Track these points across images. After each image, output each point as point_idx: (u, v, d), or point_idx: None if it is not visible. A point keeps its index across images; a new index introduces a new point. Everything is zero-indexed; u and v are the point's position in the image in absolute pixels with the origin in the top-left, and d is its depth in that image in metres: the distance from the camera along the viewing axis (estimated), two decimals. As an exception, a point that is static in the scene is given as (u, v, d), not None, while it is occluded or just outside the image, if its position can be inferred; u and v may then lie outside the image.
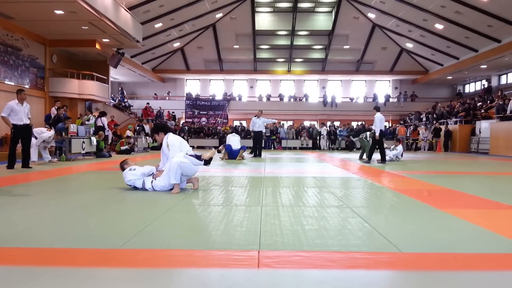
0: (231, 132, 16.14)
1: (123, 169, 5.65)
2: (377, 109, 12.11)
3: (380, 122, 11.68)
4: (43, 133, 10.24)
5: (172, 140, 5.41)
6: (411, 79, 32.26)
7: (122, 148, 15.92)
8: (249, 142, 18.53)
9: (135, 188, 5.43)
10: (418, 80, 31.64)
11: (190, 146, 5.72)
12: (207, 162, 5.46)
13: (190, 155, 5.35)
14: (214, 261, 2.44)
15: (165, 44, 26.69)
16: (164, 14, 22.01)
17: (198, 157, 5.38)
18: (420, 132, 24.32)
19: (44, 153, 10.47)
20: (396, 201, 4.77)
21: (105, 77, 20.94)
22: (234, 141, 13.09)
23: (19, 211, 4.01)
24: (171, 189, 5.25)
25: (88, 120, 15.75)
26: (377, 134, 11.65)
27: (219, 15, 26.41)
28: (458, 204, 4.65)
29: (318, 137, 24.36)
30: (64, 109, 13.82)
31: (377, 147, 11.91)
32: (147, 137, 19.81)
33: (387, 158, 12.11)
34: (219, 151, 16.86)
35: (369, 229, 3.29)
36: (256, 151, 14.61)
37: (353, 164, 11.10)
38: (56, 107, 14.90)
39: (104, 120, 15.92)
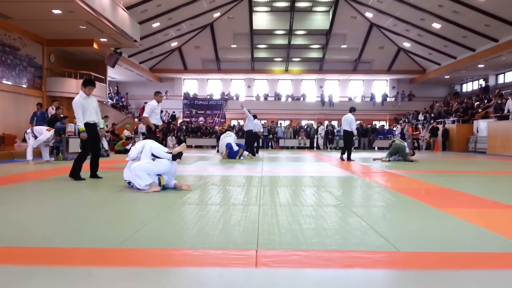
0: (225, 131, 16.11)
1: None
2: (351, 109, 12.73)
3: (352, 123, 12.41)
4: (43, 133, 10.19)
5: (136, 144, 5.71)
6: (409, 78, 32.32)
7: (127, 147, 16.10)
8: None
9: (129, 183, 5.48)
10: (416, 80, 31.69)
11: (188, 146, 5.72)
12: (175, 156, 5.40)
13: (157, 153, 5.40)
14: (211, 260, 2.44)
15: (162, 43, 26.66)
16: (162, 14, 21.99)
17: (175, 156, 5.40)
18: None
19: (44, 151, 10.45)
20: (394, 200, 4.78)
21: (103, 77, 20.91)
22: (229, 141, 13.06)
23: (16, 211, 3.99)
24: (164, 188, 5.33)
25: None
26: (355, 132, 12.60)
27: (216, 14, 26.40)
28: (455, 203, 4.66)
29: (315, 137, 24.40)
30: (61, 108, 13.79)
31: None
32: (144, 136, 19.84)
33: (392, 158, 12.21)
34: (218, 151, 16.90)
35: (367, 228, 3.29)
36: (252, 151, 14.63)
37: (351, 164, 11.11)
38: (55, 107, 14.87)
39: None
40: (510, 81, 25.72)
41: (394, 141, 12.80)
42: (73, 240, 2.91)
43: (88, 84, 6.66)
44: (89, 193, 5.28)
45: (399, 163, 11.29)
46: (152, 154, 5.37)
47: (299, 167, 10.21)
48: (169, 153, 5.38)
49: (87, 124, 6.53)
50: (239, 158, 12.62)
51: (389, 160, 11.98)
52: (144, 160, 5.33)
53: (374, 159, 12.65)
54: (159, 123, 8.84)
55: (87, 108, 6.53)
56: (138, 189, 5.30)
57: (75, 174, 6.60)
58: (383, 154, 13.39)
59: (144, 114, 8.74)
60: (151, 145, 5.47)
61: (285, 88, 33.36)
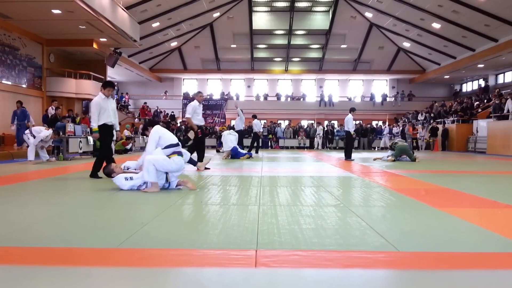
0: (228, 129, 16.18)
1: (110, 176, 5.63)
2: (351, 109, 12.96)
3: (349, 122, 12.68)
4: (41, 132, 10.19)
5: (151, 134, 5.42)
6: (408, 78, 32.33)
7: (127, 147, 16.17)
8: (245, 142, 18.54)
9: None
10: (415, 80, 31.70)
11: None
12: (193, 162, 5.28)
13: (174, 151, 5.30)
14: (211, 260, 2.44)
15: (162, 43, 26.68)
16: (161, 14, 21.99)
17: (192, 161, 5.28)
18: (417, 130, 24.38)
19: (41, 153, 10.44)
20: (394, 200, 4.78)
21: (102, 77, 20.87)
22: (230, 140, 13.19)
23: (16, 211, 3.99)
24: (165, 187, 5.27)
25: None
26: (351, 131, 12.76)
27: (216, 14, 26.40)
28: (455, 203, 4.66)
29: (315, 137, 24.40)
30: (61, 108, 13.76)
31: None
32: (144, 136, 19.86)
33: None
34: (218, 151, 16.95)
35: (367, 228, 3.30)
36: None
37: (351, 163, 11.11)
38: (55, 107, 14.86)
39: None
40: (510, 81, 25.74)
41: (396, 142, 12.80)
42: (73, 240, 2.91)
43: (108, 85, 6.80)
44: (89, 193, 5.28)
45: (399, 163, 11.29)
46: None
47: (299, 167, 10.21)
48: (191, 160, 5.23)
49: (104, 125, 6.62)
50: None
51: (394, 160, 11.97)
52: (159, 154, 5.24)
53: (375, 159, 12.65)
54: (201, 123, 8.81)
55: (105, 109, 6.65)
56: (137, 189, 5.30)
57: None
58: (384, 154, 13.40)
59: (187, 115, 8.63)
60: (170, 143, 5.37)
61: (284, 88, 33.37)
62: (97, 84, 20.20)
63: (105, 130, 6.69)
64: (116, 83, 30.33)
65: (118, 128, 7.13)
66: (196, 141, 8.71)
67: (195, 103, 8.70)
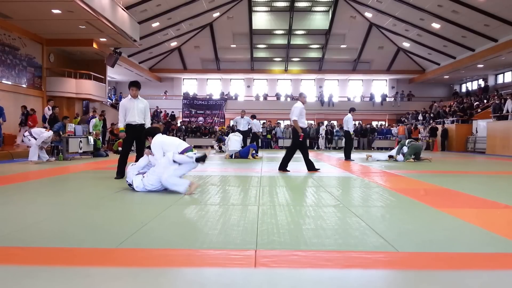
0: (234, 131, 16.16)
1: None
2: (350, 109, 13.11)
3: (348, 122, 12.75)
4: (42, 133, 10.18)
5: (154, 144, 5.37)
6: (408, 78, 32.32)
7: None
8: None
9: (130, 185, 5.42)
10: (415, 80, 31.69)
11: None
12: (200, 159, 5.30)
13: (184, 153, 5.28)
14: (211, 260, 2.45)
15: (162, 43, 26.66)
16: (161, 14, 21.98)
17: (198, 158, 5.29)
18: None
19: (40, 153, 10.42)
20: (393, 200, 4.78)
21: (102, 77, 20.89)
22: (235, 140, 13.32)
23: (15, 211, 4.00)
24: (165, 188, 5.24)
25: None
26: (351, 131, 12.80)
27: (216, 14, 26.39)
28: (454, 204, 4.66)
29: (318, 137, 24.36)
30: (58, 108, 13.68)
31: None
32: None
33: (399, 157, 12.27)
34: (220, 149, 16.99)
35: (366, 228, 3.30)
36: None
37: (350, 163, 11.11)
38: (52, 107, 14.83)
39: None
40: (510, 81, 25.74)
41: (411, 141, 12.86)
42: (73, 240, 2.92)
43: (130, 85, 6.94)
44: (89, 193, 5.28)
45: (399, 164, 11.30)
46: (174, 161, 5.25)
47: (298, 167, 10.20)
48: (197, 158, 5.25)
49: (127, 125, 6.80)
50: (251, 156, 12.83)
51: (414, 160, 12.01)
52: (170, 167, 5.18)
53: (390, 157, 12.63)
54: (305, 125, 8.68)
55: (129, 109, 6.82)
56: (132, 187, 5.31)
57: (118, 174, 6.84)
58: (383, 155, 13.42)
59: (293, 117, 8.42)
60: (177, 148, 5.34)
61: (284, 88, 33.36)
62: (97, 84, 20.24)
63: (128, 129, 6.84)
64: (113, 86, 30.29)
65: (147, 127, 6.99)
66: (299, 144, 8.62)
67: (300, 105, 8.51)
